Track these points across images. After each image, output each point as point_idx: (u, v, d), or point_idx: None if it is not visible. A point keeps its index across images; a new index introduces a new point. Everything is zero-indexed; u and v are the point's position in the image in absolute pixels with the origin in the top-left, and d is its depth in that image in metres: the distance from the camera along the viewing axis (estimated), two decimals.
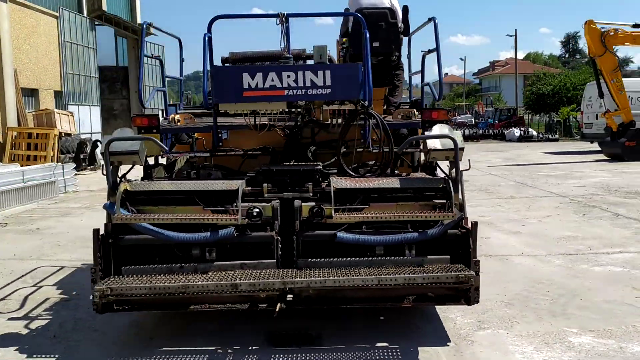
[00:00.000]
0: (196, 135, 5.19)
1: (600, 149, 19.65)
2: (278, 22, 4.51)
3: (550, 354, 3.76)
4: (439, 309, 4.54)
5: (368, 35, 4.46)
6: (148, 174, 4.53)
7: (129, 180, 4.07)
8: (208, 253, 3.91)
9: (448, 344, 3.97)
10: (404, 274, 3.74)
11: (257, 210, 3.90)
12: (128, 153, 4.10)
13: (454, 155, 4.13)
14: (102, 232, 3.83)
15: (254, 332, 4.14)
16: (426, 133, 4.60)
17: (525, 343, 3.94)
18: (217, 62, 5.26)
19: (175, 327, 4.34)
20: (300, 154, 4.76)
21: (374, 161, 4.70)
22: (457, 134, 4.33)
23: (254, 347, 3.92)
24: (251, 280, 3.63)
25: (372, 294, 3.92)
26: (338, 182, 4.09)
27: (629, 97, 18.50)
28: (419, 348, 3.89)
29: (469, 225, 3.96)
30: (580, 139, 25.88)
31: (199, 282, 3.62)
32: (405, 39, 5.61)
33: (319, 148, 4.85)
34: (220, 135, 4.79)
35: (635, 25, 17.71)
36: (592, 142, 22.00)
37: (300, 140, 4.85)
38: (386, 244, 3.98)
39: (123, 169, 4.25)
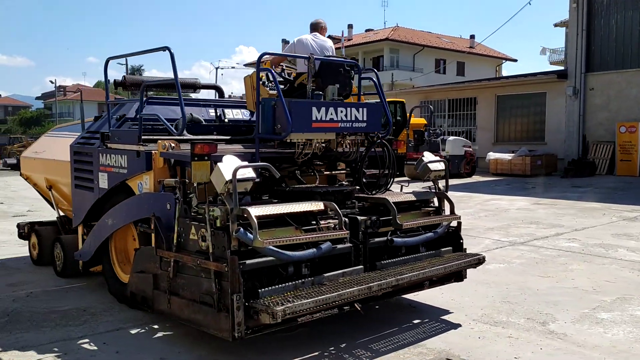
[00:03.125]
0: None
1: None
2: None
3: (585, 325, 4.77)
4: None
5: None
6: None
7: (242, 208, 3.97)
8: (305, 268, 4.20)
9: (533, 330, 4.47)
10: (446, 262, 4.80)
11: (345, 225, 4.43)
12: (245, 180, 3.96)
13: (445, 174, 5.37)
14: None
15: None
16: (424, 158, 5.40)
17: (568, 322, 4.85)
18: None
19: None
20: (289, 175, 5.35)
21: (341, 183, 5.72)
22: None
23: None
24: (379, 282, 4.21)
25: (412, 283, 4.72)
26: (391, 197, 4.95)
27: None
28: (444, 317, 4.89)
29: (456, 223, 5.31)
30: None
31: (348, 290, 3.99)
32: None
33: (301, 173, 5.45)
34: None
35: None
36: None
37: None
38: (419, 243, 4.99)
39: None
